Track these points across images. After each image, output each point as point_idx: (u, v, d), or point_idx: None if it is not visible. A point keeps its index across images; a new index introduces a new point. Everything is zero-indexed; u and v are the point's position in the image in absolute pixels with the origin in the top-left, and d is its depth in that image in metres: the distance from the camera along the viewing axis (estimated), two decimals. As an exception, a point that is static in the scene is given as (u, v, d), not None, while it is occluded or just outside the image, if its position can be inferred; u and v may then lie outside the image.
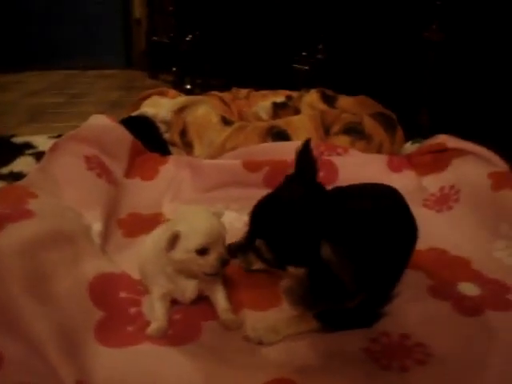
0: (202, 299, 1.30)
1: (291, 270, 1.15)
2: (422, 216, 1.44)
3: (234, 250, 1.23)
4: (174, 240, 1.18)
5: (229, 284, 1.34)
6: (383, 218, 1.24)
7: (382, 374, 1.09)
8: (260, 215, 1.16)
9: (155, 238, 1.31)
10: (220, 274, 1.29)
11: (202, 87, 3.62)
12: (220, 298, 1.27)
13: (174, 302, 1.29)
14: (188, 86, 3.79)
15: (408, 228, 1.34)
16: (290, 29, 3.23)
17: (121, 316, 1.26)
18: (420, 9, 2.52)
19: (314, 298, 1.25)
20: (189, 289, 1.26)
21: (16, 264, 1.18)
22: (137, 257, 1.39)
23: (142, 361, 1.13)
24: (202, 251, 1.18)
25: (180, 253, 1.19)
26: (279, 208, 1.13)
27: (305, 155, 1.20)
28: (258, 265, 1.21)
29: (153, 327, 1.20)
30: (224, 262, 1.21)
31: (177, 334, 1.21)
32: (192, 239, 1.18)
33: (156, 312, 1.24)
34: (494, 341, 1.18)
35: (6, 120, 3.14)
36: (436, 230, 1.64)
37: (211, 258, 1.19)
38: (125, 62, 5.06)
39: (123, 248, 1.59)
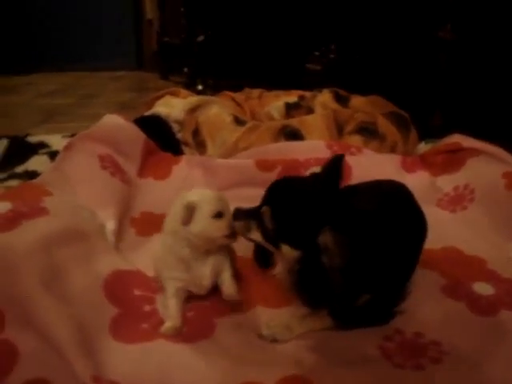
0: (216, 293, 1.30)
1: (285, 249, 1.14)
2: (436, 216, 1.44)
3: (239, 213, 1.23)
4: (190, 211, 1.21)
5: (242, 281, 1.35)
6: (390, 218, 1.24)
7: (396, 372, 1.08)
8: (273, 189, 1.19)
9: (166, 226, 1.32)
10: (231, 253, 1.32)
11: (213, 88, 3.62)
12: (226, 276, 1.28)
13: (188, 300, 1.29)
14: (200, 87, 3.79)
15: (416, 225, 1.34)
16: (303, 29, 3.23)
17: (135, 313, 1.26)
18: (433, 9, 2.51)
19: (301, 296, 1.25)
20: (206, 274, 1.27)
21: (31, 261, 1.19)
22: (152, 253, 1.39)
23: (156, 357, 1.13)
24: (219, 215, 1.22)
25: (199, 222, 1.22)
26: (293, 185, 1.18)
27: (333, 166, 1.19)
28: (255, 235, 1.20)
29: (167, 326, 1.20)
30: None
31: (190, 331, 1.21)
32: (206, 206, 1.22)
33: (170, 310, 1.24)
34: (510, 340, 1.17)
35: (18, 121, 3.16)
36: (450, 230, 1.64)
37: (227, 219, 1.23)
38: (136, 63, 5.07)
39: (136, 246, 1.60)
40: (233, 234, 1.25)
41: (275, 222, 1.13)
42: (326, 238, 1.04)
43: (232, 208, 1.26)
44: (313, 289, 1.18)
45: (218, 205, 1.23)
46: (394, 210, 1.29)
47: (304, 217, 1.10)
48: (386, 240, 1.16)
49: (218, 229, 1.23)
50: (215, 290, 1.31)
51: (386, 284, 1.22)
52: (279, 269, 1.31)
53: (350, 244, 1.02)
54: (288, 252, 1.14)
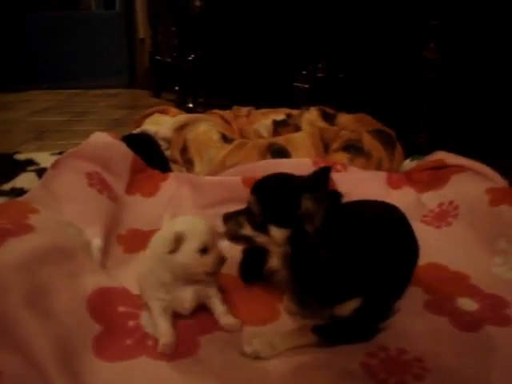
0: (201, 310, 1.31)
1: (274, 231, 1.18)
2: (421, 232, 1.45)
3: (228, 215, 1.29)
4: (178, 240, 1.21)
5: (226, 299, 1.35)
6: (381, 228, 1.28)
7: (378, 389, 1.09)
8: (258, 181, 1.29)
9: (151, 248, 1.32)
10: (217, 275, 1.32)
11: (204, 106, 3.64)
12: (217, 302, 1.30)
13: (174, 315, 1.29)
14: (190, 105, 3.81)
15: (408, 244, 1.37)
16: (291, 48, 3.27)
17: (119, 329, 1.26)
18: (418, 28, 2.55)
19: (299, 290, 1.27)
20: (187, 298, 1.28)
21: (15, 278, 1.19)
22: (136, 272, 1.39)
23: (140, 375, 1.13)
24: (204, 250, 1.23)
25: (184, 255, 1.22)
26: (275, 174, 1.27)
27: (320, 172, 1.25)
28: (246, 230, 1.25)
29: (162, 343, 1.19)
30: (222, 260, 1.26)
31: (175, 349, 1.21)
32: (195, 239, 1.23)
33: (160, 328, 1.23)
34: (493, 356, 1.18)
35: (11, 138, 3.18)
36: (435, 246, 1.65)
37: (211, 257, 1.24)
38: (128, 81, 5.10)
39: (123, 264, 1.60)
40: (214, 273, 1.27)
41: (261, 206, 1.20)
42: (306, 203, 1.11)
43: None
44: (304, 274, 1.19)
45: (207, 239, 1.24)
46: (388, 224, 1.35)
47: (285, 193, 1.18)
48: (378, 247, 1.22)
49: (202, 265, 1.24)
50: (200, 308, 1.31)
51: (376, 293, 1.23)
52: (274, 261, 1.30)
53: (328, 201, 1.11)
54: (276, 233, 1.18)
